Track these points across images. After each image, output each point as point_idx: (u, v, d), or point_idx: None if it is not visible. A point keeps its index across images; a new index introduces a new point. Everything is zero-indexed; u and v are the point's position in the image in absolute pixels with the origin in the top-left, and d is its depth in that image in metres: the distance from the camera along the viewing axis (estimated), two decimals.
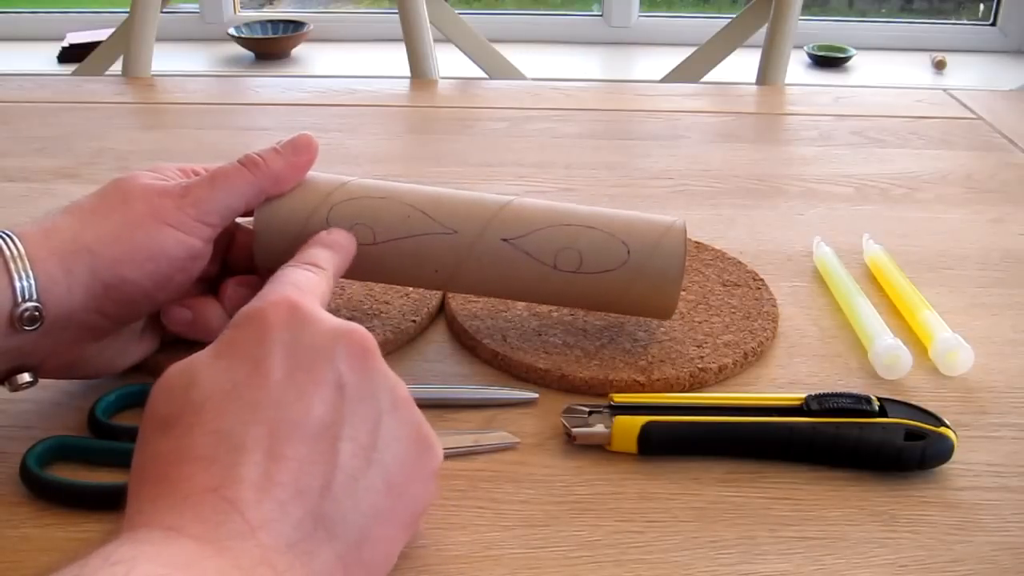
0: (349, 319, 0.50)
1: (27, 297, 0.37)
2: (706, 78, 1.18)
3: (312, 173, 0.46)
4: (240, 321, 0.33)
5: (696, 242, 0.60)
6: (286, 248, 0.45)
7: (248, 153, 0.44)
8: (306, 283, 0.37)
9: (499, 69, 1.20)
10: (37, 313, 0.38)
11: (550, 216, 0.46)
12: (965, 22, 2.28)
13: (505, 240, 0.45)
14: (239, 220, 0.47)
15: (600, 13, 2.23)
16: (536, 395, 0.46)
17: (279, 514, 0.29)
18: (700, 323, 0.51)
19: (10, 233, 0.38)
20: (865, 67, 2.07)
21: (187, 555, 0.27)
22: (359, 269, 0.46)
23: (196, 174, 0.44)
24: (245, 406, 0.31)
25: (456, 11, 1.21)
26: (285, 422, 0.31)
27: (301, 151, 0.45)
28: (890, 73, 2.03)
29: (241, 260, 0.48)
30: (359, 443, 0.31)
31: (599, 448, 0.42)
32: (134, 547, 0.26)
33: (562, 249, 0.45)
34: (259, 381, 0.31)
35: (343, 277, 0.53)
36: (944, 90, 0.98)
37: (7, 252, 0.37)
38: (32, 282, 0.38)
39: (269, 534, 0.28)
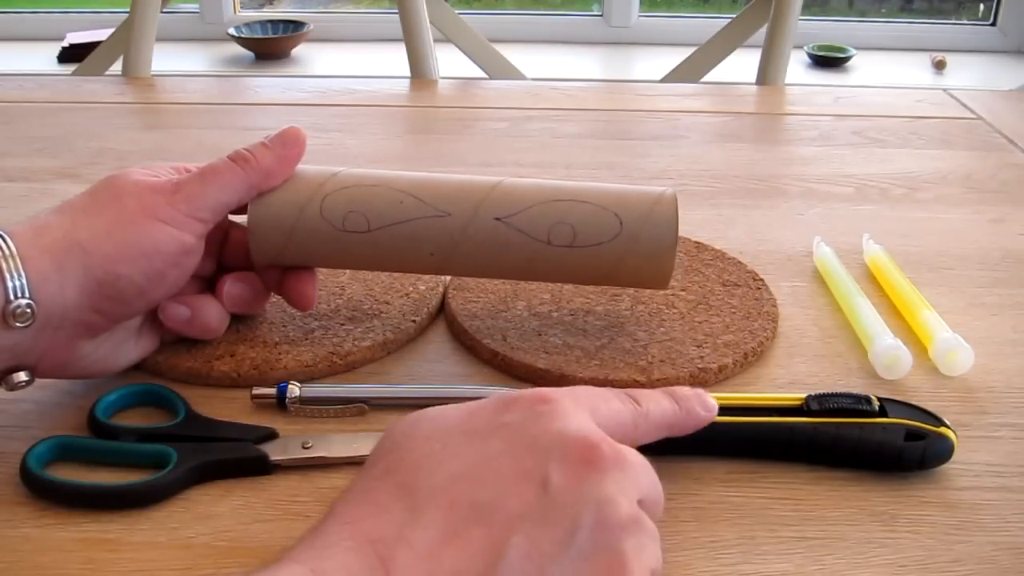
0: (349, 319, 0.50)
1: (19, 294, 0.37)
2: (706, 78, 1.18)
3: (302, 166, 0.46)
4: (495, 395, 0.34)
5: (696, 242, 0.60)
6: (281, 242, 0.45)
7: (237, 149, 0.44)
8: (596, 403, 0.34)
9: (499, 69, 1.20)
10: (30, 310, 0.38)
11: (542, 193, 0.46)
12: (965, 22, 2.28)
13: (498, 219, 0.45)
14: (233, 217, 0.47)
15: (600, 13, 2.23)
16: None
17: None
18: (700, 323, 0.51)
19: (1, 232, 0.38)
20: (865, 67, 2.07)
21: None
22: (354, 258, 0.47)
23: (188, 172, 0.44)
24: (443, 471, 0.30)
25: (456, 11, 1.21)
26: (472, 500, 0.30)
27: (290, 144, 0.45)
28: (890, 73, 2.03)
29: (237, 257, 0.48)
30: (539, 548, 0.29)
31: None
32: None
33: (555, 224, 0.45)
34: (468, 450, 0.31)
35: (342, 268, 0.53)
36: (944, 90, 0.98)
37: None
38: (24, 280, 0.38)
39: None
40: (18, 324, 0.38)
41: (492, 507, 0.29)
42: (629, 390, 0.37)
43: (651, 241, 0.46)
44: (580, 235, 0.46)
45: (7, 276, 0.37)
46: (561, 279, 0.48)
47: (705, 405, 0.39)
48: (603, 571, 0.29)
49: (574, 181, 0.48)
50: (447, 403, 0.45)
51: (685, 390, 0.38)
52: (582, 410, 0.33)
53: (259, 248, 0.46)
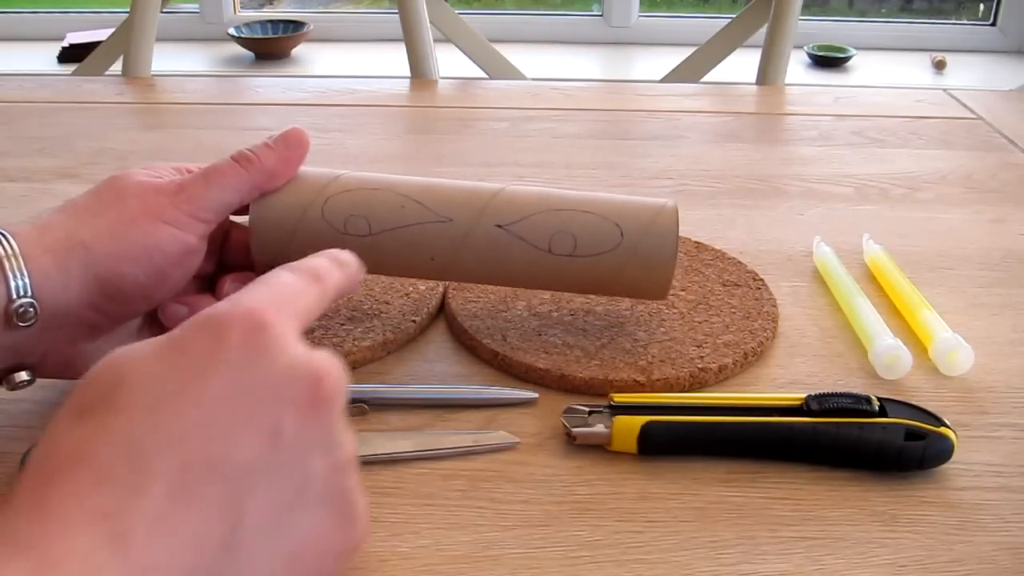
0: (349, 319, 0.50)
1: (22, 294, 0.37)
2: (706, 78, 1.18)
3: (304, 168, 0.46)
4: (198, 324, 0.30)
5: (696, 242, 0.60)
6: (282, 243, 0.46)
7: (241, 149, 0.44)
8: (291, 296, 0.33)
9: (499, 69, 1.20)
10: (32, 309, 0.38)
11: (544, 201, 0.46)
12: (965, 22, 2.28)
13: (499, 226, 0.45)
14: (234, 218, 0.47)
15: (600, 13, 2.23)
16: (536, 395, 0.46)
17: (169, 560, 0.26)
18: (700, 323, 0.51)
19: (4, 231, 0.38)
20: (865, 67, 2.07)
21: None
22: None
23: (190, 172, 0.44)
24: (165, 425, 0.27)
25: (456, 11, 1.21)
26: (203, 457, 0.27)
27: (293, 145, 0.45)
28: (890, 73, 2.03)
29: (237, 257, 0.48)
30: (276, 500, 0.28)
31: (599, 448, 0.42)
32: None
33: (556, 233, 0.45)
34: (190, 401, 0.28)
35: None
36: (944, 90, 0.98)
37: (1, 250, 0.37)
38: (27, 280, 0.38)
39: None
40: (21, 324, 0.38)
41: (224, 463, 0.27)
42: (309, 264, 0.35)
43: (651, 253, 0.46)
44: (581, 244, 0.46)
45: (10, 275, 0.37)
46: (561, 288, 0.48)
47: (350, 257, 0.38)
48: (337, 513, 0.30)
49: (576, 188, 0.48)
50: (448, 405, 0.46)
51: (332, 256, 0.37)
52: (294, 323, 0.31)
53: (260, 249, 0.46)
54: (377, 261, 0.47)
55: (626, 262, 0.46)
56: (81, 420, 0.28)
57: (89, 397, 0.28)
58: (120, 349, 0.30)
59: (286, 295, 0.33)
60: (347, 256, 0.39)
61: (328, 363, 0.30)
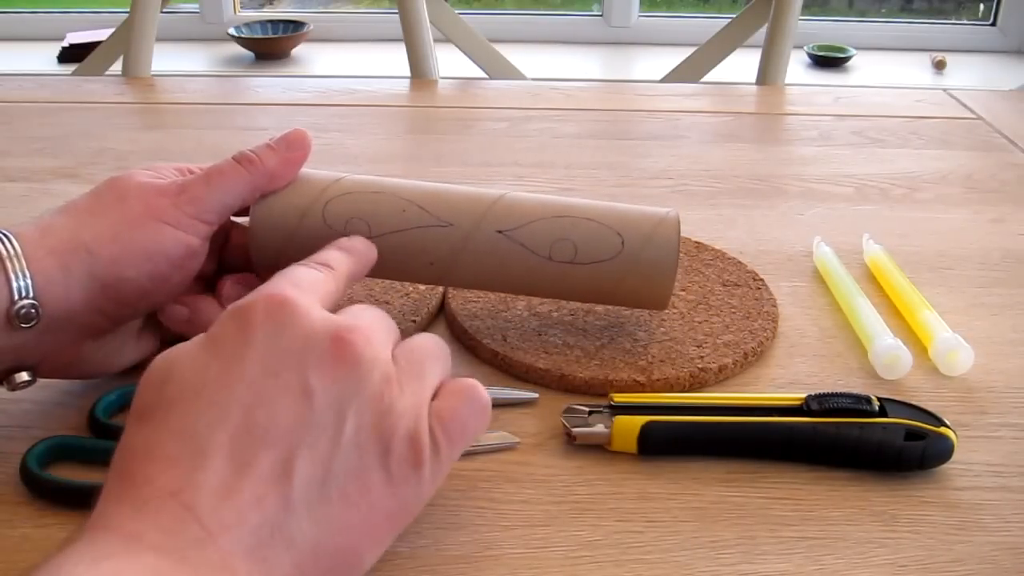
0: None
1: (24, 295, 0.37)
2: (706, 78, 1.18)
3: (306, 170, 0.46)
4: (227, 315, 0.33)
5: (696, 242, 0.60)
6: (282, 245, 0.45)
7: (242, 150, 0.44)
8: (308, 281, 0.36)
9: (499, 69, 1.20)
10: (34, 311, 0.38)
11: (545, 208, 0.46)
12: (965, 22, 2.28)
13: (500, 232, 0.45)
14: (234, 218, 0.47)
15: (600, 13, 2.23)
16: (536, 395, 0.46)
17: (237, 520, 0.29)
18: (700, 323, 0.51)
19: (7, 232, 0.38)
20: (865, 67, 2.07)
21: (145, 571, 0.27)
22: None
23: (191, 173, 0.44)
24: (212, 407, 0.31)
25: (456, 11, 1.21)
26: (248, 427, 0.30)
27: (295, 147, 0.45)
28: (890, 73, 2.03)
29: (237, 258, 0.48)
30: (320, 453, 0.31)
31: (599, 448, 0.42)
32: (93, 565, 0.27)
33: (557, 240, 0.45)
34: (229, 381, 0.31)
35: None
36: (944, 90, 0.98)
37: (3, 251, 0.37)
38: (29, 281, 0.38)
39: (228, 540, 0.29)
40: (23, 325, 0.38)
41: (269, 429, 0.31)
42: (320, 257, 0.40)
43: (652, 263, 0.46)
44: (581, 252, 0.46)
45: (12, 276, 0.37)
46: (560, 295, 0.48)
47: (359, 241, 0.43)
48: (375, 448, 0.32)
49: (576, 189, 0.48)
50: None
51: (339, 246, 0.42)
52: (311, 297, 0.35)
53: (260, 251, 0.46)
54: (376, 264, 0.46)
55: (626, 271, 0.46)
56: (142, 422, 0.31)
57: (146, 401, 0.32)
58: (164, 352, 0.33)
59: (303, 281, 0.36)
60: (353, 242, 0.43)
61: (349, 322, 0.33)
